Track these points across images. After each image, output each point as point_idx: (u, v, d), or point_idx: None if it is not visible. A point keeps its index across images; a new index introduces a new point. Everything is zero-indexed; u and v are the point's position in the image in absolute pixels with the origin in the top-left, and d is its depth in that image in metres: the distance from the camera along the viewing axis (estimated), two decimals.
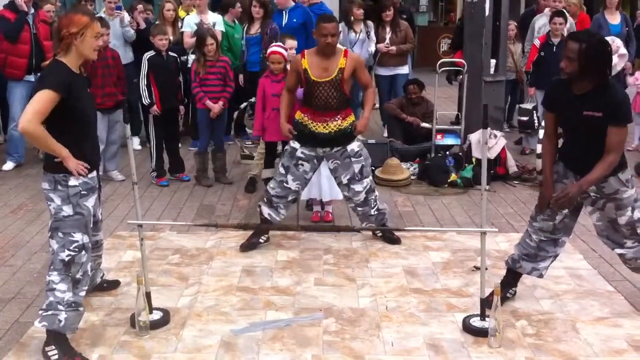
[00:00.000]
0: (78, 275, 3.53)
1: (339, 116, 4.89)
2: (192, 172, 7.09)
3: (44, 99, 3.34)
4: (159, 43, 6.71)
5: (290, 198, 5.07)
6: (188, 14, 8.61)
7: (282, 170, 5.01)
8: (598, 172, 3.69)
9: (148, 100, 6.68)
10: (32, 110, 3.32)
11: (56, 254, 3.51)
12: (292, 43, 6.53)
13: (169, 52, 6.87)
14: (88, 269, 3.62)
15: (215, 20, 8.12)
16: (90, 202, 3.59)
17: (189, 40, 7.96)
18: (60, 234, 3.50)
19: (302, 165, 4.95)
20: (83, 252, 3.54)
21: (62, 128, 3.44)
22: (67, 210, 3.50)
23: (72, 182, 3.49)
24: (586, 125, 3.74)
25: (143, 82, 6.67)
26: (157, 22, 7.80)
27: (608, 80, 3.71)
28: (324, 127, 4.87)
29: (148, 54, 6.75)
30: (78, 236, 3.52)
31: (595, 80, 3.67)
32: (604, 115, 3.66)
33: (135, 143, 7.93)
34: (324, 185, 5.54)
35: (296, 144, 4.97)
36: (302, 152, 4.94)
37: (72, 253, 3.50)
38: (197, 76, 6.68)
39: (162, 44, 6.72)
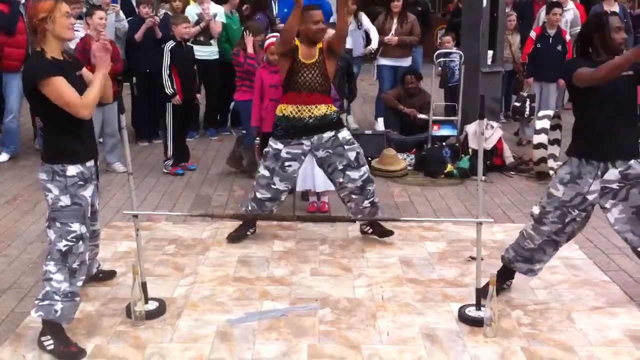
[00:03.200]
0: (75, 265, 3.52)
1: (323, 103, 4.82)
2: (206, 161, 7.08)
3: (58, 84, 3.34)
4: (183, 31, 6.72)
5: (282, 198, 4.94)
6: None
7: (266, 173, 4.84)
8: None
9: (171, 90, 6.68)
10: (69, 99, 3.35)
11: (53, 244, 3.50)
12: (331, 32, 6.47)
13: (187, 43, 6.89)
14: (85, 258, 3.62)
15: (217, 11, 8.10)
16: (87, 192, 3.58)
17: (190, 30, 7.94)
18: (57, 224, 3.50)
19: (290, 165, 4.83)
20: (80, 242, 3.53)
21: (55, 118, 3.44)
22: (65, 200, 3.49)
23: (70, 172, 3.48)
24: (624, 87, 3.63)
25: (166, 73, 6.66)
26: (178, 13, 7.75)
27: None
28: (309, 112, 4.78)
29: (169, 44, 6.75)
30: (76, 226, 3.51)
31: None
32: (634, 72, 3.60)
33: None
34: (317, 176, 5.52)
35: (279, 145, 4.81)
36: (287, 153, 4.80)
37: (70, 243, 3.49)
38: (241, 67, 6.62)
39: (186, 32, 6.73)
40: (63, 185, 3.48)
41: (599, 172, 3.72)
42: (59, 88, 3.35)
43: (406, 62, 8.61)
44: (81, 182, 3.53)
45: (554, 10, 8.10)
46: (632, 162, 3.70)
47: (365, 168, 4.92)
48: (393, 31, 8.42)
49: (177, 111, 6.80)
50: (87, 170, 3.57)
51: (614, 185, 3.72)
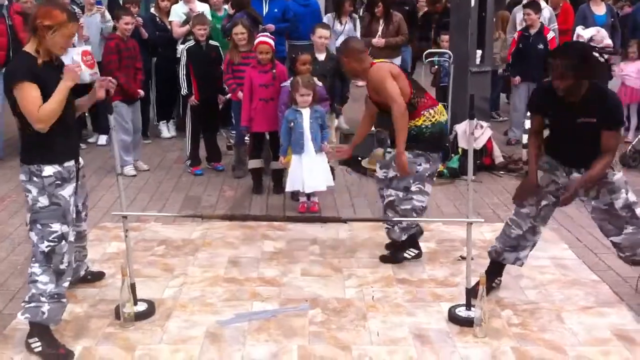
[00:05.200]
0: (62, 267, 3.50)
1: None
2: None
3: (25, 94, 3.32)
4: (198, 33, 6.68)
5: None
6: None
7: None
8: (597, 170, 3.74)
9: (186, 90, 6.66)
10: (31, 112, 3.33)
11: (36, 245, 3.47)
12: (324, 32, 6.47)
13: (209, 42, 6.83)
14: (72, 259, 3.59)
15: (203, 9, 8.06)
16: (66, 191, 3.52)
17: (178, 30, 7.92)
18: (38, 226, 3.47)
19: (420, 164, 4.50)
20: (63, 242, 3.50)
21: None
22: (43, 201, 3.45)
23: (46, 172, 3.45)
24: (581, 131, 3.78)
25: (182, 72, 6.63)
26: (198, 12, 7.69)
27: (598, 83, 3.75)
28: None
29: (187, 44, 6.72)
30: (56, 226, 3.48)
31: (586, 85, 3.69)
32: (598, 120, 3.71)
33: (101, 139, 8.06)
34: (307, 177, 5.50)
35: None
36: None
37: (52, 244, 3.46)
38: (229, 67, 6.52)
39: (201, 34, 6.68)
40: (40, 186, 3.45)
41: (565, 173, 3.94)
42: (25, 94, 3.32)
43: (395, 61, 8.59)
44: (59, 182, 3.48)
45: (524, 10, 8.18)
46: None
47: (393, 192, 4.55)
48: (380, 33, 8.41)
49: (198, 111, 6.76)
50: (64, 170, 3.51)
51: None
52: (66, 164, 3.53)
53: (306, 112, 5.52)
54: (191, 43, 6.72)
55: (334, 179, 5.99)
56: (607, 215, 3.91)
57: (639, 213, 3.87)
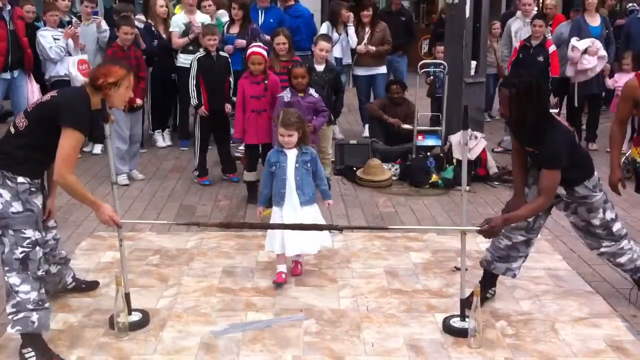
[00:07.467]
0: (39, 273, 3.51)
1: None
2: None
3: (75, 144, 3.45)
4: (208, 43, 6.65)
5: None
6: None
7: None
8: (524, 212, 3.81)
9: (196, 101, 6.61)
10: (66, 160, 3.44)
11: (10, 252, 3.45)
12: (326, 45, 6.46)
13: (220, 53, 6.81)
14: (46, 266, 3.64)
15: (204, 20, 8.08)
16: (39, 200, 3.57)
17: (177, 41, 7.93)
18: (11, 232, 3.45)
19: None
20: (37, 247, 3.51)
21: (41, 143, 3.46)
22: (17, 206, 3.45)
23: (21, 179, 3.46)
24: (531, 158, 3.94)
25: (192, 83, 6.60)
26: (198, 24, 7.70)
27: (546, 119, 3.77)
28: None
29: (198, 55, 6.71)
30: (30, 232, 3.48)
31: (533, 119, 3.73)
32: (538, 154, 3.82)
33: (96, 149, 8.05)
34: (286, 236, 4.42)
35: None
36: None
37: (26, 249, 3.46)
38: None
39: (211, 44, 6.65)
40: (15, 191, 3.45)
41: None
42: (74, 144, 3.45)
43: (381, 69, 8.66)
44: (33, 189, 3.52)
45: (534, 22, 8.18)
46: (575, 187, 3.92)
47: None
48: (365, 40, 8.47)
49: (208, 122, 6.70)
50: (35, 183, 3.56)
51: (563, 197, 3.99)
52: (35, 180, 3.57)
53: (292, 154, 4.46)
54: (201, 53, 6.69)
55: (329, 188, 5.97)
56: (584, 232, 4.09)
57: (616, 230, 4.01)
